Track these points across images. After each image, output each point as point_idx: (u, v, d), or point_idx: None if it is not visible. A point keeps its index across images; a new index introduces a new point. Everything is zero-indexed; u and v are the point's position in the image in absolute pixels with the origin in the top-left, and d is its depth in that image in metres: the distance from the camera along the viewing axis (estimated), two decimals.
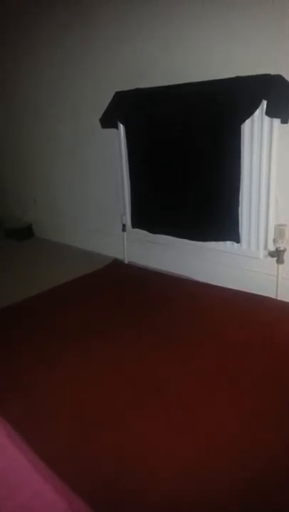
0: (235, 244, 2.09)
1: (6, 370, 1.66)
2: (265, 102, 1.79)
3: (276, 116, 1.79)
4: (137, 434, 1.29)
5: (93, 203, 2.94)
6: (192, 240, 2.24)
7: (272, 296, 2.11)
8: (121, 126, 2.34)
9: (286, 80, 1.76)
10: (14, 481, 0.70)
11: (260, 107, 1.80)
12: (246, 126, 1.86)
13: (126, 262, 2.76)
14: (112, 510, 1.01)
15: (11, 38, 3.07)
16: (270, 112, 1.78)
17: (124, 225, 2.59)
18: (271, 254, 2.03)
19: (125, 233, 2.64)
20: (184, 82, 2.02)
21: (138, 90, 2.21)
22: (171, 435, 1.28)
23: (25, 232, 3.48)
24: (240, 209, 2.01)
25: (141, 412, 1.38)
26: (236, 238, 2.06)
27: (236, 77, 1.82)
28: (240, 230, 2.04)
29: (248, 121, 1.85)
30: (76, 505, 0.71)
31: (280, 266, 2.04)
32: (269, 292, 2.12)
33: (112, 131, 2.43)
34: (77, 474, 1.08)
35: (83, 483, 0.92)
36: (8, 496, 0.68)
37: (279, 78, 1.75)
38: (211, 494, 1.07)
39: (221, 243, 2.14)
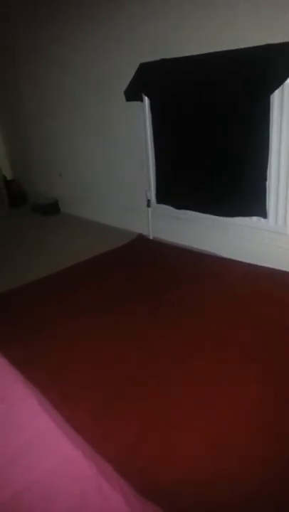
0: (262, 219, 2.05)
1: (33, 340, 1.72)
2: None
3: None
4: (160, 405, 1.32)
5: (118, 178, 2.93)
6: (218, 215, 2.21)
7: None
8: (146, 99, 2.30)
9: None
10: (46, 446, 0.73)
11: None
12: (276, 96, 1.79)
13: (151, 237, 2.76)
14: (135, 475, 1.05)
15: (35, 15, 3.01)
16: None
17: (148, 201, 2.58)
18: None
19: (150, 209, 2.63)
20: (210, 51, 1.95)
21: (163, 61, 2.15)
22: (194, 407, 1.30)
23: (52, 208, 3.52)
24: (267, 183, 1.96)
25: (163, 384, 1.42)
26: (263, 213, 2.02)
27: (266, 44, 1.74)
28: (267, 205, 2.00)
29: (277, 91, 1.78)
30: (104, 469, 0.75)
31: None
32: None
33: (137, 104, 2.39)
34: (101, 442, 1.12)
35: (107, 450, 0.96)
36: (39, 459, 0.72)
37: None
38: (232, 469, 1.10)
39: (247, 218, 2.11)
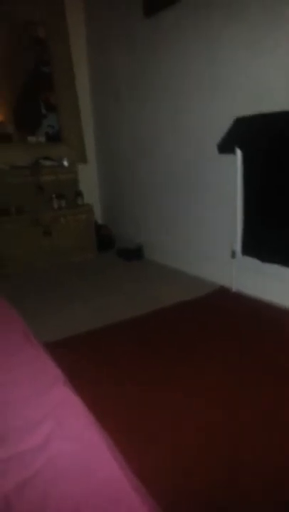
0: None
1: (106, 383, 1.70)
2: None
3: None
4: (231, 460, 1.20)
5: (203, 227, 2.94)
6: None
7: None
8: (238, 151, 2.32)
9: None
10: (112, 496, 0.69)
11: None
12: None
13: (233, 290, 2.67)
14: None
15: (136, 64, 3.28)
16: None
17: (233, 252, 2.53)
18: None
19: (234, 260, 2.56)
20: None
21: (260, 116, 2.17)
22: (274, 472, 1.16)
23: (136, 253, 3.61)
24: None
25: (234, 440, 1.29)
26: None
27: None
28: None
29: None
30: None
31: None
32: None
33: (227, 155, 2.42)
34: (170, 501, 1.04)
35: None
36: (106, 509, 0.68)
37: None
38: None
39: None
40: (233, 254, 2.53)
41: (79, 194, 3.71)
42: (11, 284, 2.99)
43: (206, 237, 2.93)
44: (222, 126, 2.39)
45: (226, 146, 2.39)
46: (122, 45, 3.38)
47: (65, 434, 0.85)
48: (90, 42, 3.83)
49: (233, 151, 2.35)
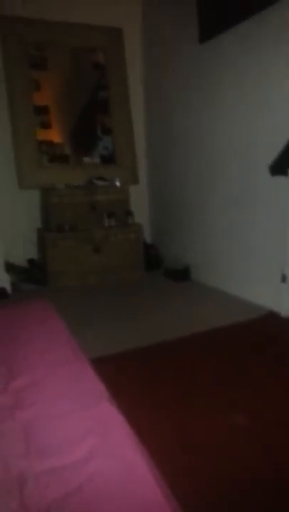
0: None
1: (155, 405, 1.69)
2: None
3: None
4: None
5: (252, 250, 2.87)
6: None
7: None
8: None
9: None
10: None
11: None
12: None
13: (282, 315, 2.58)
14: None
15: (187, 81, 3.35)
16: None
17: (284, 276, 2.45)
18: None
19: (285, 285, 2.48)
20: None
21: None
22: None
23: (183, 274, 3.59)
24: None
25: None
26: None
27: None
28: None
29: None
30: None
31: None
32: None
33: (278, 178, 2.37)
34: None
35: None
36: None
37: None
38: None
39: None
40: (284, 279, 2.46)
41: (129, 214, 3.78)
42: (61, 298, 3.08)
43: (253, 260, 2.86)
44: (274, 148, 2.36)
45: (278, 168, 2.35)
46: (176, 70, 3.46)
47: (107, 451, 0.85)
48: (145, 67, 3.96)
49: (285, 173, 2.31)
